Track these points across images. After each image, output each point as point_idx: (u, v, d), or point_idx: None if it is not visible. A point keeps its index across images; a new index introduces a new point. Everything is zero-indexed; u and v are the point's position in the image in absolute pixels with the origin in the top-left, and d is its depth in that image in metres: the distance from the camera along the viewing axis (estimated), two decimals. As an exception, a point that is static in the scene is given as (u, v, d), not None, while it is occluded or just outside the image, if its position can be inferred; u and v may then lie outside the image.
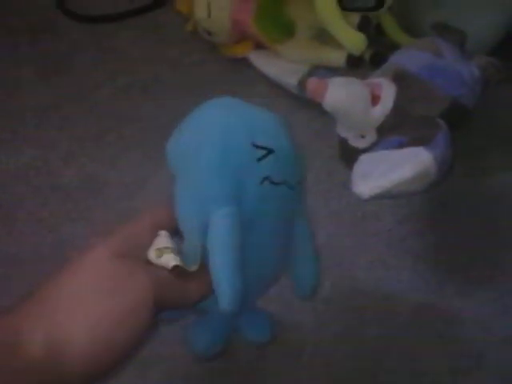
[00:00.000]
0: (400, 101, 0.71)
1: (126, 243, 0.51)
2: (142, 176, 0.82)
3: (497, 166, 0.79)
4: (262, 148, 0.52)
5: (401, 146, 0.66)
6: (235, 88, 0.90)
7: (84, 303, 0.46)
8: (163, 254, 0.52)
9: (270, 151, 0.53)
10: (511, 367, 0.65)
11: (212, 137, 0.52)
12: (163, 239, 0.53)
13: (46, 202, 0.81)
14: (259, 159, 0.52)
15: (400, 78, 0.72)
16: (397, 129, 0.70)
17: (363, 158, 0.66)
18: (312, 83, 0.70)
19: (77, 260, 0.49)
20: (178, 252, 0.52)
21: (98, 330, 0.46)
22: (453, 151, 0.67)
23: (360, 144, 0.72)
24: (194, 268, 0.51)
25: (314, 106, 0.73)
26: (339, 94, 0.69)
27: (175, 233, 0.54)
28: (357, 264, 0.73)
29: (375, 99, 0.71)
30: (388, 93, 0.71)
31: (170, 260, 0.51)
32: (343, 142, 0.74)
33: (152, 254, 0.52)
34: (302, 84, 0.85)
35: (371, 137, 0.71)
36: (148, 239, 0.52)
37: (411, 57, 0.75)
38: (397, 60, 0.76)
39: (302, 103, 0.85)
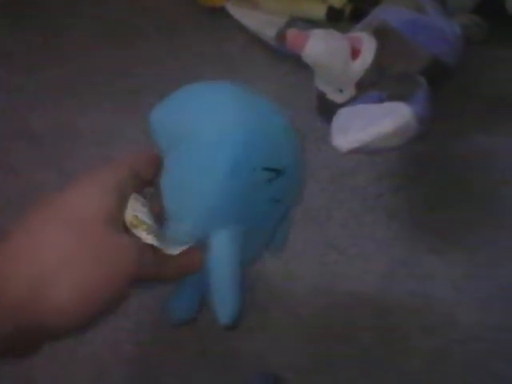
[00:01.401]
0: (380, 56, 0.70)
1: (117, 197, 0.51)
2: (114, 124, 0.80)
3: (473, 125, 0.78)
4: (273, 170, 0.52)
5: (380, 101, 0.66)
6: (212, 39, 0.88)
7: (71, 262, 0.46)
8: (139, 227, 0.52)
9: (279, 172, 0.52)
10: (482, 326, 0.66)
11: (226, 150, 0.50)
12: (140, 208, 0.53)
13: (15, 149, 0.79)
14: (269, 181, 0.52)
15: (381, 33, 0.71)
16: (376, 84, 0.69)
17: (342, 111, 0.65)
18: (292, 34, 0.69)
19: (70, 209, 0.49)
20: (155, 231, 0.52)
21: (81, 288, 0.46)
22: (432, 109, 0.66)
23: (338, 98, 0.71)
24: (173, 253, 0.52)
25: (292, 59, 0.72)
26: (319, 46, 0.68)
27: (151, 184, 0.54)
28: (331, 220, 0.72)
29: (355, 53, 0.70)
30: (368, 47, 0.70)
31: (147, 239, 0.51)
32: (321, 96, 0.73)
33: (129, 219, 0.52)
34: (280, 36, 0.84)
35: (350, 91, 0.70)
36: (130, 189, 0.52)
37: (393, 12, 0.74)
38: (378, 15, 0.74)
39: (281, 56, 0.83)
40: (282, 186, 0.53)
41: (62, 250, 0.47)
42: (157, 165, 0.54)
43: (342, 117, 0.65)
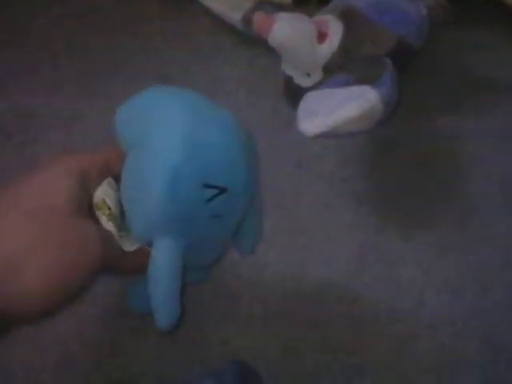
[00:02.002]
0: (347, 39, 0.69)
1: (79, 182, 0.51)
2: (78, 109, 0.79)
3: (439, 108, 0.78)
4: (215, 187, 0.52)
5: (347, 84, 0.65)
6: (178, 23, 0.87)
7: (36, 249, 0.46)
8: (101, 210, 0.53)
9: (222, 190, 0.52)
10: (451, 310, 0.66)
11: (167, 164, 0.50)
12: (110, 192, 0.54)
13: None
14: (209, 200, 0.52)
15: (347, 16, 0.70)
16: (343, 68, 0.69)
17: (309, 95, 0.65)
18: (258, 17, 0.68)
19: (30, 197, 0.49)
20: (117, 220, 0.54)
21: (47, 273, 0.46)
22: (399, 91, 0.66)
23: (305, 83, 0.71)
24: (128, 249, 0.54)
25: (258, 43, 0.71)
26: (285, 29, 0.67)
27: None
28: (299, 205, 0.72)
29: (322, 37, 0.69)
30: (335, 31, 0.69)
31: (106, 225, 0.52)
32: (288, 81, 0.72)
33: (96, 201, 0.52)
34: (246, 19, 0.82)
35: (317, 75, 0.70)
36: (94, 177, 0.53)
37: (359, -6, 0.74)
38: (345, -2, 0.74)
39: (246, 39, 0.82)
40: (225, 203, 0.53)
41: (26, 238, 0.47)
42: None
43: (308, 101, 0.64)
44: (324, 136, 0.61)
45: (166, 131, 0.52)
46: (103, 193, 0.53)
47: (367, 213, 0.71)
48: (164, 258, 0.52)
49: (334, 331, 0.65)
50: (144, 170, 0.51)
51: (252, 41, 0.78)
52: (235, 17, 0.86)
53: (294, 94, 0.71)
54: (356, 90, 0.63)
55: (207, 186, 0.51)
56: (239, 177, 0.54)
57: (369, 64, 0.68)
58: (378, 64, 0.67)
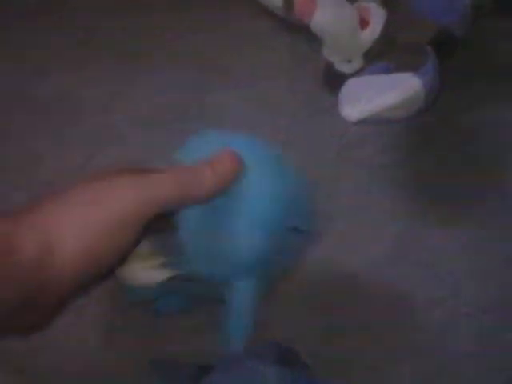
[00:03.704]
0: (389, 27, 0.69)
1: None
2: (116, 90, 0.79)
3: (480, 98, 0.78)
4: (299, 230, 0.54)
5: (388, 71, 0.65)
6: (217, 8, 0.87)
7: (73, 213, 0.46)
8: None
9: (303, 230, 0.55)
10: (487, 298, 0.66)
11: (261, 214, 0.52)
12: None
13: (16, 117, 0.78)
14: (293, 236, 0.54)
15: (390, 4, 0.70)
16: (384, 55, 0.68)
17: (351, 81, 0.65)
18: (300, 2, 0.68)
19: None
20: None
21: (85, 238, 0.46)
22: (440, 80, 0.66)
23: (346, 69, 0.71)
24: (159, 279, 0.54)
25: (299, 29, 0.71)
26: (327, 14, 0.67)
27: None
28: (338, 191, 0.72)
29: (364, 23, 0.69)
30: (377, 18, 0.69)
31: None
32: (329, 67, 0.73)
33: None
34: (287, 4, 0.82)
35: (358, 62, 0.70)
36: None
37: (402, -19, 0.73)
38: (387, -16, 0.74)
39: (287, 25, 0.83)
40: (301, 236, 0.56)
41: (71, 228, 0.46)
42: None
43: (350, 87, 0.64)
44: (365, 122, 0.61)
45: (252, 183, 0.52)
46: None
47: (406, 199, 0.71)
48: (248, 298, 0.54)
49: (371, 317, 0.65)
50: (232, 218, 0.52)
51: (292, 26, 0.78)
52: (276, 2, 0.86)
53: (333, 80, 0.71)
54: (398, 77, 0.63)
55: (293, 229, 0.54)
56: (312, 215, 0.57)
57: (410, 52, 0.67)
58: (419, 52, 0.67)
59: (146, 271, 0.54)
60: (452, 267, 0.68)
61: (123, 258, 0.49)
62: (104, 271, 0.48)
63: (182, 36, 0.83)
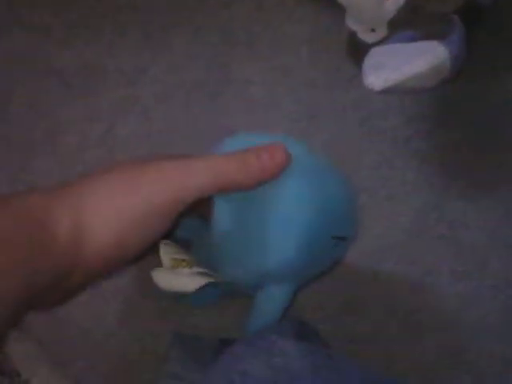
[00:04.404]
0: (414, -5, 0.68)
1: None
2: (141, 63, 0.79)
3: (505, 67, 0.76)
4: (339, 238, 0.54)
5: (413, 40, 0.64)
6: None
7: (109, 198, 0.47)
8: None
9: (344, 238, 0.55)
10: (512, 272, 0.65)
11: (301, 222, 0.51)
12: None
13: (41, 88, 0.78)
14: (335, 245, 0.55)
15: (414, -29, 0.69)
16: (409, 24, 0.67)
17: (375, 50, 0.64)
18: (323, -29, 0.67)
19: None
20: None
21: (119, 224, 0.46)
22: (466, 50, 0.64)
23: (370, 38, 0.69)
24: (192, 288, 0.52)
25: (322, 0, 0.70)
26: (352, -18, 0.66)
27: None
28: (361, 163, 0.71)
29: (388, -9, 0.68)
30: (402, -14, 0.68)
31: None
32: (352, 36, 0.71)
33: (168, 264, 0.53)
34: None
35: (381, 31, 0.69)
36: None
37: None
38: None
39: (310, -4, 0.82)
40: (344, 245, 0.56)
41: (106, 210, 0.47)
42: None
43: (375, 55, 0.63)
44: (390, 91, 0.60)
45: (292, 189, 0.51)
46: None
47: (430, 172, 0.70)
48: (276, 305, 0.54)
49: (394, 290, 0.65)
50: (270, 224, 0.51)
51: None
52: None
53: (357, 49, 0.70)
54: (424, 45, 0.61)
55: (334, 237, 0.53)
56: (354, 223, 0.57)
57: (436, 21, 0.66)
58: (445, 21, 0.65)
59: (179, 279, 0.53)
60: (475, 241, 0.67)
61: (154, 243, 0.49)
62: (132, 256, 0.48)
63: (206, 10, 0.82)
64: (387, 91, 0.60)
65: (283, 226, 0.50)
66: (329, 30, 0.79)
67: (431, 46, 0.61)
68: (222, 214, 0.51)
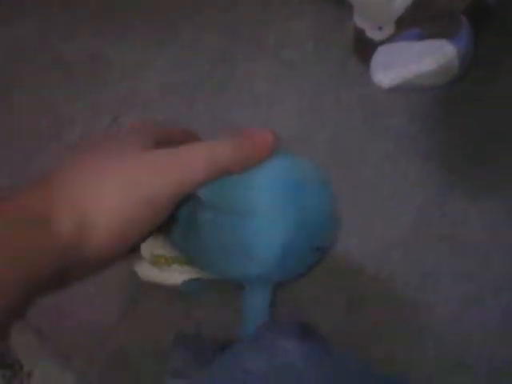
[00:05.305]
0: (422, -7, 0.68)
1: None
2: (145, 57, 0.78)
3: (511, 67, 0.76)
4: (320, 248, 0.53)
5: (420, 38, 0.64)
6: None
7: (109, 191, 0.46)
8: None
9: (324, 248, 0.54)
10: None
11: (280, 237, 0.50)
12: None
13: (48, 80, 0.78)
14: (314, 254, 0.53)
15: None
16: (416, 22, 0.67)
17: (384, 47, 0.64)
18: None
19: (115, 147, 0.48)
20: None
21: (121, 217, 0.46)
22: (473, 49, 0.64)
23: (377, 36, 0.69)
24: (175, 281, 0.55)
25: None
26: (360, -20, 0.66)
27: None
28: (364, 160, 0.71)
29: (396, -11, 0.67)
30: (409, -16, 0.68)
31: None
32: (359, 34, 0.71)
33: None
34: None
35: (389, 29, 0.68)
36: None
37: None
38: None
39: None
40: (323, 251, 0.54)
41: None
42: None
43: (383, 53, 0.63)
44: (398, 89, 0.60)
45: (272, 203, 0.50)
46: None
47: (433, 170, 0.70)
48: (262, 303, 0.54)
49: (396, 288, 0.65)
50: (250, 237, 0.50)
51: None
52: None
53: (364, 47, 0.70)
54: (433, 43, 0.61)
55: (314, 248, 0.53)
56: (335, 230, 0.55)
57: (443, 20, 0.66)
58: (453, 20, 0.65)
59: (167, 275, 0.54)
60: (477, 241, 0.67)
61: (151, 232, 0.49)
62: (131, 247, 0.48)
63: (212, 5, 0.82)
64: (395, 89, 0.60)
65: (261, 241, 0.51)
66: (334, 26, 0.79)
67: (440, 44, 0.61)
68: (205, 223, 0.52)
